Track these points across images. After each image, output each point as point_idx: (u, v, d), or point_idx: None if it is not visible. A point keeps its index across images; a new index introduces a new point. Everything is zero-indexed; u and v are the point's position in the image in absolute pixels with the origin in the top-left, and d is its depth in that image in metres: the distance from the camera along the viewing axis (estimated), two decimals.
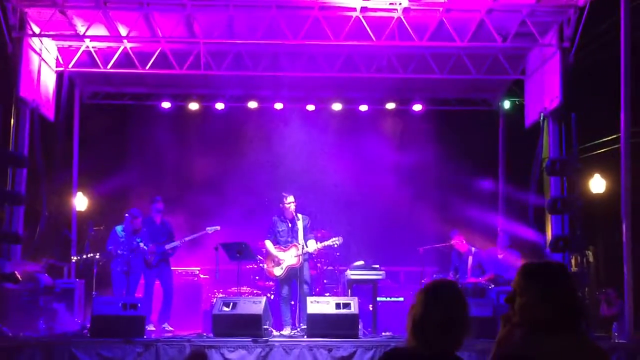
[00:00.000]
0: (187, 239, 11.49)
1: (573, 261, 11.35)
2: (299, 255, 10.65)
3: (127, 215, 11.43)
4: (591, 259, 12.56)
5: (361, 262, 11.10)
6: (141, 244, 11.15)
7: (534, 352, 2.97)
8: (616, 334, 9.67)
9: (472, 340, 8.43)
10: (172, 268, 11.81)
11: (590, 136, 14.20)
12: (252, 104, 14.51)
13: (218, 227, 11.55)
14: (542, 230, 12.65)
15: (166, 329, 10.87)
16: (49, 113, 12.54)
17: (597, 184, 14.71)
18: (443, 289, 3.20)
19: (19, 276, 10.35)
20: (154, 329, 10.70)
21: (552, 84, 11.80)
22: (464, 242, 12.17)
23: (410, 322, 3.14)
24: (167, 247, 11.36)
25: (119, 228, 11.44)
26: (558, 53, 11.62)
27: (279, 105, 14.45)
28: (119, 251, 11.14)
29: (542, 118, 12.18)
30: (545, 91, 12.13)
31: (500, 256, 11.89)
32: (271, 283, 11.87)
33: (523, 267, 3.21)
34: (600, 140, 14.46)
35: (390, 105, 14.73)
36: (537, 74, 12.59)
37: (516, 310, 3.12)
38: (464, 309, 3.15)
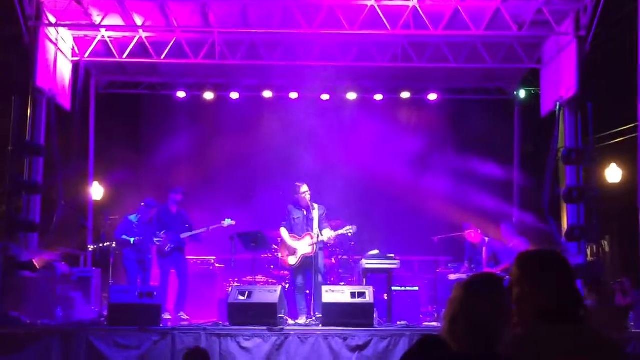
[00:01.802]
0: (202, 230, 11.52)
1: (589, 250, 11.33)
2: (314, 244, 10.66)
3: (142, 204, 11.50)
4: (607, 248, 12.54)
5: (376, 252, 11.10)
6: (156, 241, 11.22)
7: (532, 344, 2.92)
8: (632, 323, 9.63)
9: None
10: (187, 257, 11.87)
11: (607, 125, 14.12)
12: (267, 94, 14.54)
13: (233, 222, 11.58)
14: (558, 219, 12.60)
15: (182, 317, 10.93)
16: (65, 102, 12.61)
17: (613, 174, 14.63)
18: (485, 287, 2.99)
19: (36, 264, 10.44)
20: (169, 317, 10.76)
21: (569, 72, 11.72)
22: (478, 232, 12.13)
23: (446, 321, 2.98)
24: (182, 236, 11.42)
25: (132, 217, 11.50)
26: (574, 42, 11.54)
27: (293, 95, 14.47)
28: (132, 240, 11.21)
29: (558, 107, 12.12)
30: (561, 80, 12.06)
31: (509, 246, 11.85)
32: (286, 272, 11.89)
33: (517, 256, 3.13)
34: (617, 130, 14.38)
35: (405, 95, 14.72)
36: (553, 63, 12.51)
37: (514, 301, 3.02)
38: (506, 310, 2.97)
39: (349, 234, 10.99)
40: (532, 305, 2.98)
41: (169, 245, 11.33)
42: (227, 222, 11.55)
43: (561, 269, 3.05)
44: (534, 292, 2.99)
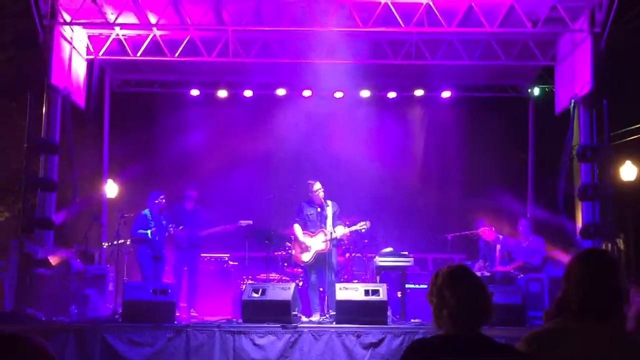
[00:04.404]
0: (218, 229, 11.58)
1: (603, 248, 11.25)
2: (327, 241, 10.67)
3: (152, 200, 11.56)
4: (622, 246, 12.44)
5: (390, 249, 11.09)
6: (170, 228, 11.26)
7: (560, 335, 2.96)
8: None
9: (501, 327, 8.41)
10: (201, 255, 11.94)
11: (622, 123, 14.06)
12: (281, 91, 14.55)
13: (251, 222, 11.65)
14: (572, 217, 12.54)
15: (191, 314, 10.97)
16: (80, 101, 12.67)
17: (628, 171, 14.55)
18: (458, 273, 3.16)
19: (51, 262, 10.49)
20: (178, 314, 10.78)
21: (583, 70, 11.66)
22: (492, 230, 12.11)
23: (433, 308, 3.12)
24: (201, 234, 11.50)
25: (146, 212, 11.53)
26: (589, 38, 11.48)
27: (307, 93, 14.46)
28: (149, 232, 11.24)
29: (572, 104, 12.06)
30: (576, 77, 12.00)
31: (524, 244, 11.83)
32: (299, 270, 11.91)
33: (575, 253, 3.20)
34: (632, 127, 14.30)
35: (419, 92, 14.69)
36: (568, 60, 12.45)
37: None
38: (481, 291, 3.09)
39: (362, 230, 10.98)
40: (569, 299, 3.06)
41: (186, 241, 11.39)
42: (245, 222, 11.65)
43: (598, 266, 3.09)
44: (572, 287, 3.07)
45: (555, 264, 11.79)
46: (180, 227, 11.34)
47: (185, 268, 11.59)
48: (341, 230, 10.80)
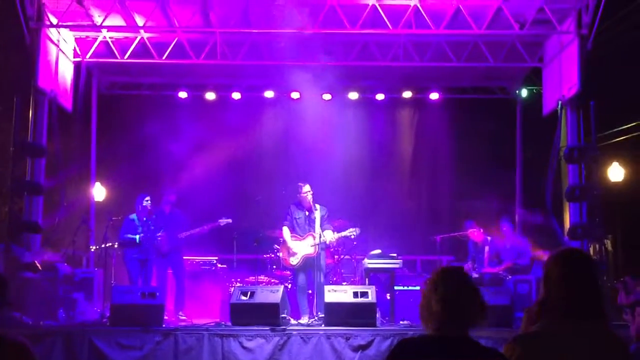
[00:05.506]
0: (198, 230, 11.51)
1: (591, 249, 11.30)
2: (316, 245, 10.65)
3: (139, 203, 11.51)
4: (609, 247, 12.51)
5: (378, 251, 11.09)
6: (158, 236, 11.20)
7: (549, 337, 2.98)
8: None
9: (490, 328, 8.43)
10: (187, 257, 11.89)
11: (609, 124, 14.12)
12: (269, 94, 14.53)
13: (230, 220, 11.58)
14: (560, 218, 12.59)
15: (180, 317, 10.92)
16: (67, 103, 12.62)
17: (616, 172, 14.62)
18: (448, 274, 3.14)
19: (38, 265, 10.43)
20: (166, 317, 10.73)
21: (570, 71, 11.71)
22: (480, 232, 12.13)
23: (421, 307, 3.12)
24: (180, 236, 11.42)
25: (133, 216, 11.49)
26: (576, 40, 11.53)
27: (295, 95, 14.45)
28: (138, 237, 11.19)
29: (560, 106, 12.11)
30: (563, 79, 12.05)
31: (508, 245, 11.85)
32: (288, 272, 11.88)
33: (550, 254, 3.22)
34: (619, 128, 14.37)
35: (407, 94, 14.72)
36: (555, 62, 12.50)
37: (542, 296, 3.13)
38: (470, 293, 3.07)
39: (352, 236, 10.99)
40: (553, 300, 3.07)
41: (167, 245, 11.33)
42: (224, 220, 11.56)
43: (574, 266, 3.11)
44: (552, 289, 3.09)
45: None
46: (159, 234, 11.27)
47: (170, 271, 11.53)
48: (330, 236, 10.77)
